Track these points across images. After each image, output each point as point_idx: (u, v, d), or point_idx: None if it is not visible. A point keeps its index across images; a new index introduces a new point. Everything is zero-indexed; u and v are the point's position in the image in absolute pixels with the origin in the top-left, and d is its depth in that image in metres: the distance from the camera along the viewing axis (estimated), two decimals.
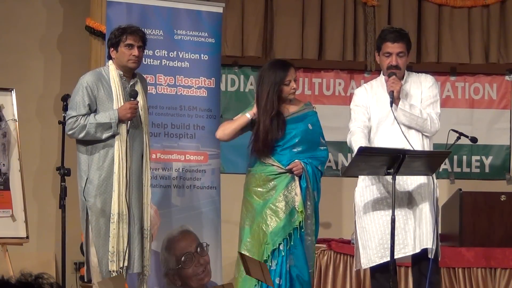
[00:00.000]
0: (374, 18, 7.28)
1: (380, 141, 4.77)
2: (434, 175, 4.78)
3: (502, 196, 6.52)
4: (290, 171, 4.87)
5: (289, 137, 4.92)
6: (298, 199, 4.85)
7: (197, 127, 6.03)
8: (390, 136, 4.75)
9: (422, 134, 4.78)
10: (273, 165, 4.90)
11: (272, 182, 4.88)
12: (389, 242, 4.55)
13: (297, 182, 4.87)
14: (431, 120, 4.73)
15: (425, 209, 4.67)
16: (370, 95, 4.88)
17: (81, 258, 6.41)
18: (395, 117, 4.67)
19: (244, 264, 4.84)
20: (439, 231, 4.86)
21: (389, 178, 4.61)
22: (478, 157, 7.66)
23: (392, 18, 7.29)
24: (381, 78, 4.93)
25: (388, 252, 4.57)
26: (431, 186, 4.72)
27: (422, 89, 4.83)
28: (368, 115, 4.85)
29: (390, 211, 4.53)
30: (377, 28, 7.26)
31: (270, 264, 4.79)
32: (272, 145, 4.88)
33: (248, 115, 4.94)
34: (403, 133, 4.66)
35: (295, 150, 4.91)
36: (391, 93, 4.66)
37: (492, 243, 6.41)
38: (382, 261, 4.65)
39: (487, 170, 7.66)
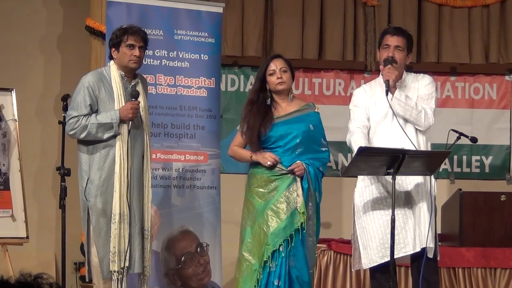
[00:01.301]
0: (374, 18, 7.29)
1: (379, 141, 4.77)
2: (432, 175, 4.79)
3: (502, 196, 6.52)
4: (291, 172, 4.86)
5: (290, 137, 4.91)
6: (300, 200, 4.84)
7: (197, 127, 6.03)
8: (388, 136, 4.75)
9: (418, 132, 4.77)
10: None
11: (274, 183, 4.87)
12: (390, 241, 4.56)
13: (299, 183, 4.86)
14: (425, 114, 4.72)
15: (423, 208, 4.67)
16: (369, 95, 4.88)
17: (81, 258, 6.41)
18: (390, 106, 4.66)
19: (244, 265, 4.85)
20: (437, 231, 4.86)
21: (388, 178, 4.61)
22: (478, 157, 7.66)
23: (392, 18, 7.30)
24: (380, 78, 4.93)
25: (389, 252, 4.58)
26: (428, 185, 4.72)
27: (419, 87, 4.83)
28: (367, 115, 4.85)
29: (390, 210, 4.54)
30: (377, 28, 7.26)
31: (270, 265, 4.79)
32: (255, 140, 4.88)
33: (250, 155, 4.94)
34: (403, 129, 4.67)
35: (296, 151, 4.90)
36: (386, 82, 4.66)
37: (492, 243, 6.41)
38: (383, 261, 4.65)
39: (487, 170, 7.67)
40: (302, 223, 4.82)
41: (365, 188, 4.80)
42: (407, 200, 4.72)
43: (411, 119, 4.72)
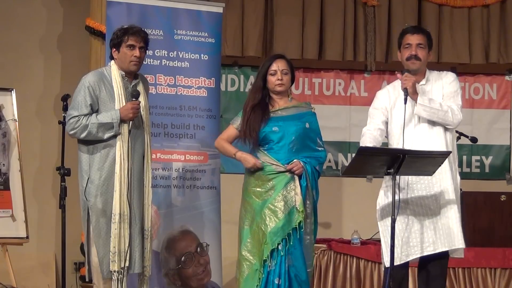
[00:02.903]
0: (374, 18, 7.29)
1: (406, 144, 4.73)
2: (457, 173, 4.79)
3: (502, 196, 6.53)
4: (290, 171, 4.85)
5: (285, 133, 4.90)
6: (298, 199, 4.83)
7: (197, 127, 6.03)
8: (415, 138, 4.73)
9: (445, 131, 4.76)
10: (272, 164, 4.89)
11: (271, 182, 4.87)
12: (414, 240, 4.63)
13: (297, 182, 4.86)
14: (452, 112, 4.72)
15: (452, 208, 4.67)
16: (392, 97, 4.85)
17: (81, 258, 6.41)
18: (404, 111, 4.65)
19: (245, 265, 4.85)
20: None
21: (412, 178, 4.64)
22: (478, 157, 7.66)
23: (392, 18, 7.30)
24: None
25: (413, 250, 4.64)
26: (453, 184, 4.72)
27: (443, 85, 4.82)
28: (385, 118, 4.84)
29: (414, 210, 4.62)
30: (377, 28, 7.27)
31: (269, 264, 4.79)
32: (253, 135, 4.88)
33: (234, 152, 4.96)
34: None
35: (293, 148, 4.90)
36: (405, 90, 4.66)
37: (492, 243, 6.42)
38: (408, 259, 4.67)
39: (487, 170, 7.67)
40: (300, 222, 4.82)
41: (389, 188, 4.80)
42: (435, 200, 4.70)
43: (439, 121, 4.71)
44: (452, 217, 4.67)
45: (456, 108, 4.74)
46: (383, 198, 4.81)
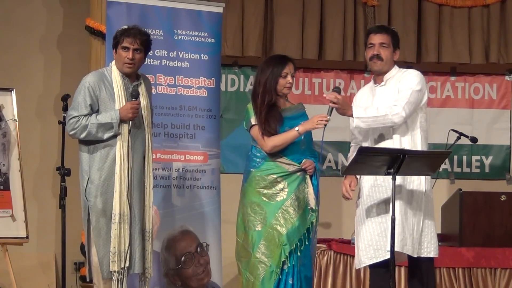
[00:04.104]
0: (374, 18, 7.29)
1: (369, 144, 4.76)
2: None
3: (502, 196, 6.52)
4: (303, 169, 4.85)
5: None
6: (312, 198, 4.85)
7: (197, 127, 6.04)
8: (376, 139, 4.74)
9: (402, 136, 4.69)
10: (284, 163, 4.87)
11: (282, 184, 4.85)
12: (378, 243, 4.61)
13: (309, 181, 4.87)
14: (392, 111, 4.60)
15: (409, 210, 4.65)
16: (363, 99, 4.86)
17: (81, 258, 6.42)
18: (323, 131, 4.66)
19: (260, 267, 4.83)
20: (436, 230, 4.84)
21: (379, 179, 4.63)
22: (478, 157, 7.67)
23: (392, 18, 7.30)
24: (371, 83, 4.91)
25: (377, 253, 4.62)
26: (409, 186, 4.68)
27: (400, 83, 4.75)
28: None
29: (379, 211, 4.61)
30: None
31: (287, 265, 4.80)
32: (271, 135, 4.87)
33: (297, 129, 4.82)
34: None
35: (301, 148, 4.91)
36: (330, 109, 4.65)
37: (492, 243, 6.42)
38: (371, 262, 4.66)
39: (487, 170, 7.68)
40: (313, 221, 4.85)
41: (362, 189, 4.82)
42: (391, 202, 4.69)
43: (382, 126, 4.66)
44: (399, 220, 4.60)
45: (396, 107, 4.61)
46: (357, 199, 4.84)
